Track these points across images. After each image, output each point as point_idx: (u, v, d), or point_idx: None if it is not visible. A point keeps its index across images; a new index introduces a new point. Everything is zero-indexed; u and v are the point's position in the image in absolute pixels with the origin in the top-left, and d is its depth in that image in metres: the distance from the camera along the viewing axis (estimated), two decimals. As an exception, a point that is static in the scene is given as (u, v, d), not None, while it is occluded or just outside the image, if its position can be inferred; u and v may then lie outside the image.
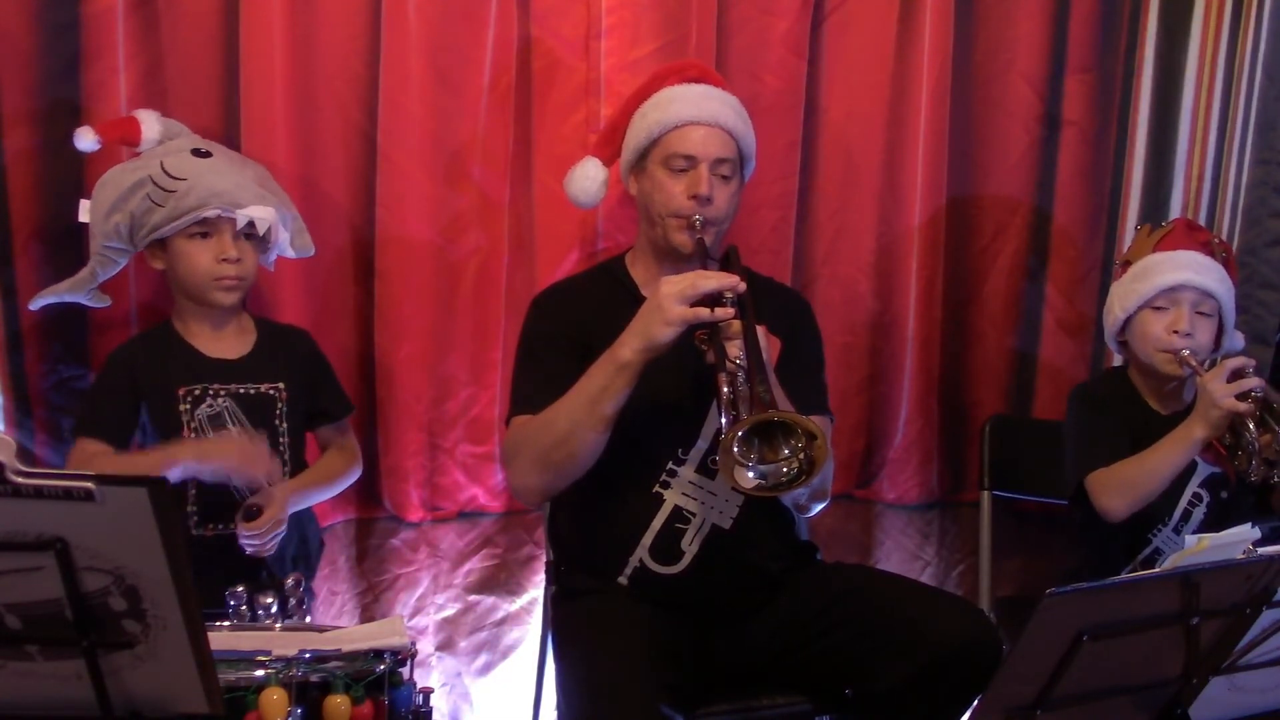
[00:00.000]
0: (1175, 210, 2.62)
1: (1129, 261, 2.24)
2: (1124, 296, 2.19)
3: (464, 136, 2.29)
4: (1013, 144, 2.56)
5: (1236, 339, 2.25)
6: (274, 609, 1.67)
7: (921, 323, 2.55)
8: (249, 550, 1.91)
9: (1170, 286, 2.12)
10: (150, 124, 2.01)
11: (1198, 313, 2.12)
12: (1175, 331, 2.11)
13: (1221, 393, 1.96)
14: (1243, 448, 2.00)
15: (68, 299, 2.04)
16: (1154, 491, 2.04)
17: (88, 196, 2.06)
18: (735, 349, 1.69)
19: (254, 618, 1.67)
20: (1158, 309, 2.14)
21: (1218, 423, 1.98)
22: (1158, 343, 2.14)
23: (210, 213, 1.93)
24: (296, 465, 2.07)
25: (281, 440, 2.04)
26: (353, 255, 2.29)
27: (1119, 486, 2.05)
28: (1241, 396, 1.97)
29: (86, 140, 2.00)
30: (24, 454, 2.10)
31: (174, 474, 1.87)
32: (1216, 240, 2.24)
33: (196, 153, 1.98)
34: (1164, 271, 2.14)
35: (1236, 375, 1.98)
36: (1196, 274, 2.12)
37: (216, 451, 1.89)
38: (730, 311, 1.72)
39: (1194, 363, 2.08)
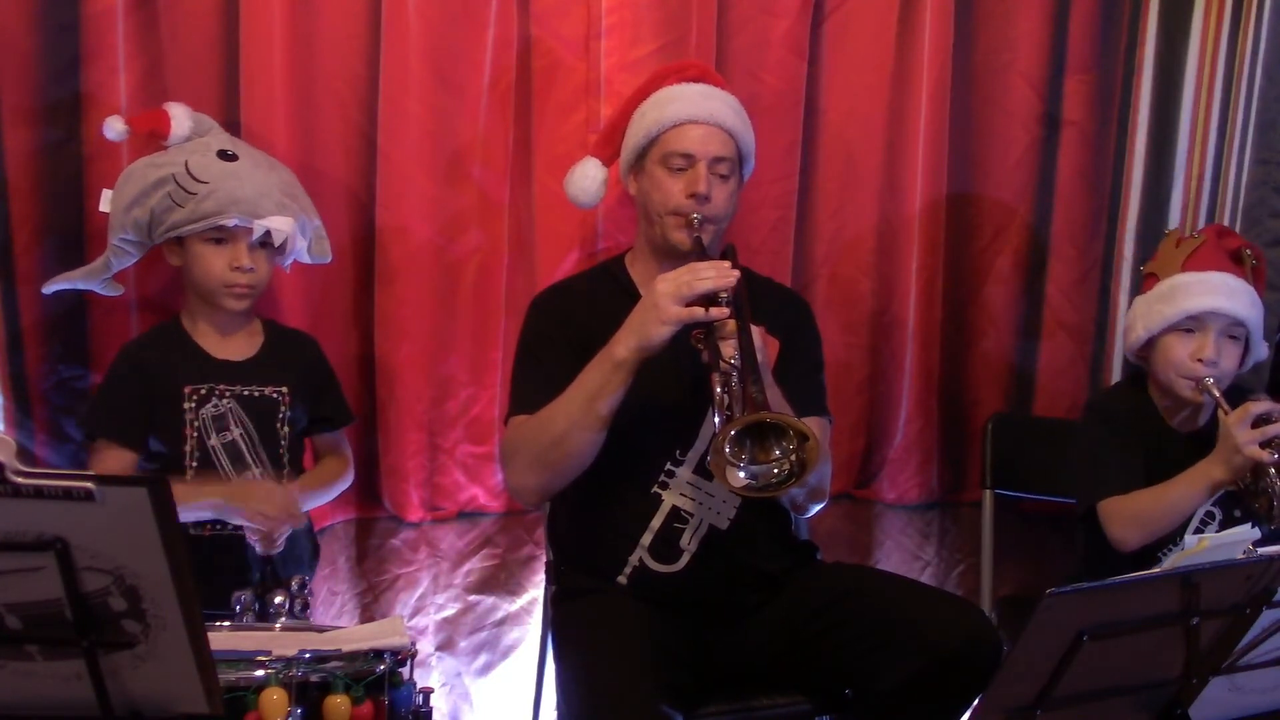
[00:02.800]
0: (1175, 210, 2.61)
1: (1154, 275, 2.16)
2: (1148, 316, 2.11)
3: (464, 136, 2.29)
4: (1013, 144, 2.56)
5: (1262, 349, 2.17)
6: (285, 607, 1.67)
7: (921, 323, 2.55)
8: (259, 549, 1.91)
9: (1199, 312, 2.04)
10: (180, 119, 2.01)
11: (1225, 338, 2.05)
12: (1200, 359, 2.04)
13: (1246, 439, 1.91)
14: (1262, 491, 1.95)
15: (81, 286, 2.04)
16: (1167, 527, 2.02)
17: (89, 196, 2.07)
18: (730, 349, 1.69)
19: (263, 618, 1.67)
20: (1184, 331, 2.06)
21: (1239, 468, 1.94)
22: (1180, 368, 2.06)
23: (228, 221, 1.93)
24: (295, 470, 2.07)
25: (282, 444, 2.04)
26: (353, 255, 2.29)
27: (1132, 520, 2.02)
28: (1266, 444, 1.92)
29: (115, 130, 2.00)
30: (24, 454, 2.10)
31: (204, 511, 1.89)
32: (1247, 250, 2.13)
33: (223, 155, 1.97)
34: (1193, 295, 2.05)
35: (1262, 421, 1.93)
36: (1228, 299, 2.04)
37: (248, 500, 1.89)
38: (725, 311, 1.72)
39: (1217, 393, 2.01)
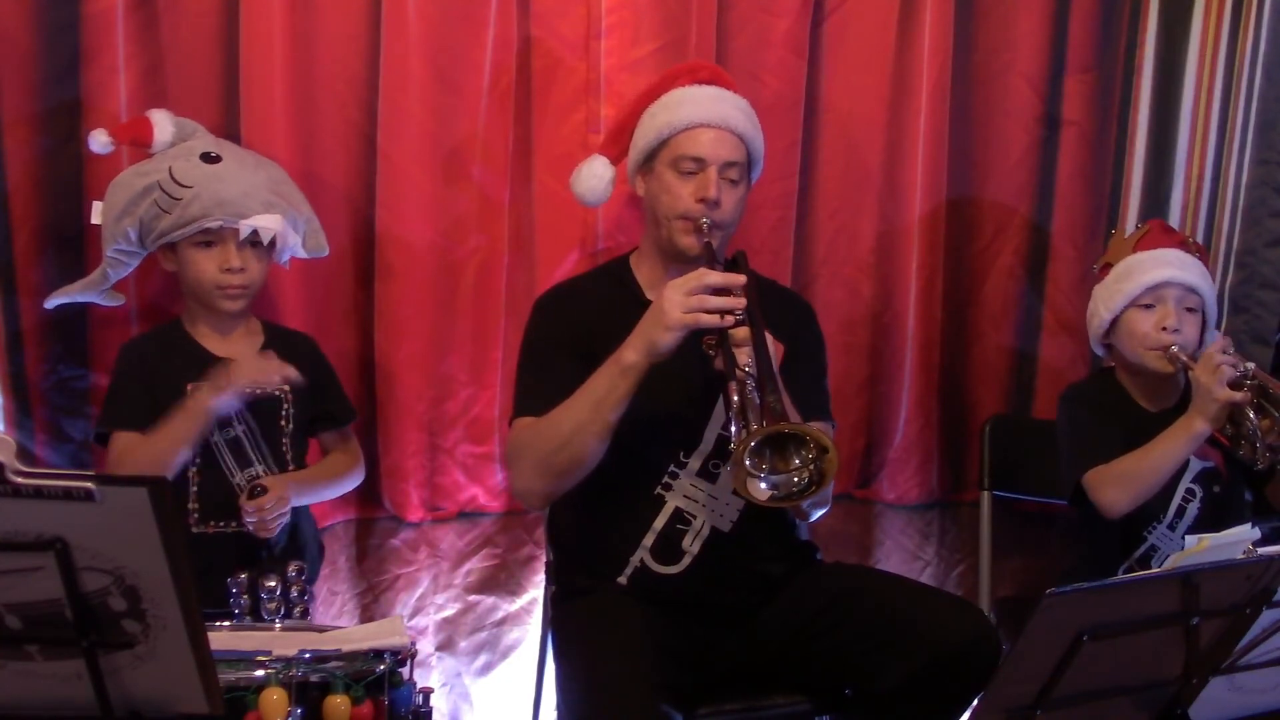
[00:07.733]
0: (1175, 210, 2.62)
1: (1108, 264, 2.25)
2: (1108, 297, 2.19)
3: (464, 136, 2.28)
4: (1013, 144, 2.56)
5: (1215, 337, 2.24)
6: (277, 592, 1.67)
7: (921, 323, 2.55)
8: (251, 528, 1.91)
9: (1156, 284, 2.13)
10: (163, 125, 2.01)
11: (1184, 309, 2.14)
12: (1164, 328, 2.12)
13: (1216, 383, 1.97)
14: (1245, 436, 2.01)
15: (80, 299, 2.04)
16: (1155, 486, 2.04)
17: (88, 196, 2.07)
18: (745, 356, 1.68)
19: (256, 604, 1.67)
20: (1144, 307, 2.15)
21: (1217, 414, 1.99)
22: (1146, 340, 2.14)
23: (213, 223, 1.93)
24: (299, 466, 2.07)
25: (285, 442, 2.04)
26: (353, 255, 2.29)
27: (1119, 481, 2.05)
28: (1236, 385, 1.97)
29: (100, 142, 2.00)
30: (24, 454, 2.10)
31: (211, 414, 1.89)
32: (1191, 241, 2.26)
33: (206, 157, 1.97)
34: (1148, 269, 2.15)
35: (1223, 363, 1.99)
36: (1180, 269, 2.14)
37: (231, 377, 1.90)
38: (731, 320, 1.71)
39: (1184, 358, 2.09)
